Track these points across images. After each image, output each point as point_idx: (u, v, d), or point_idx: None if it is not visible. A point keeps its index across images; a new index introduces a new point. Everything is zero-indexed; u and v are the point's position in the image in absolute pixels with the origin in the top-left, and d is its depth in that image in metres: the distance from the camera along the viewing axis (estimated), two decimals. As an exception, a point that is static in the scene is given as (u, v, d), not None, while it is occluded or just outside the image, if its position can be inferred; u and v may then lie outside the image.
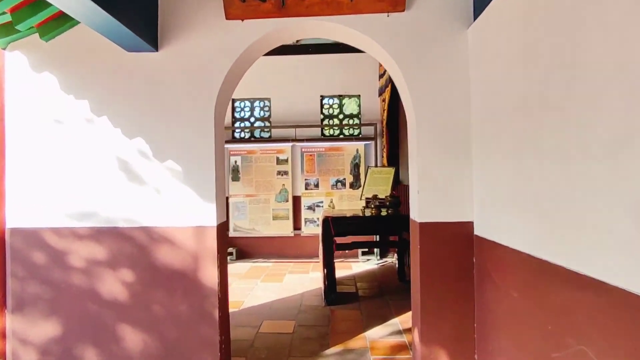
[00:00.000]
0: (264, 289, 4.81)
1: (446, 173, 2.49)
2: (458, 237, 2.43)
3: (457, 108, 2.50)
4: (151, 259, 2.62)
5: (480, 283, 2.37)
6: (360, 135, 6.78)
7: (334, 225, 4.08)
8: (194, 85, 2.62)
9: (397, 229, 4.78)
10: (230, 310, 3.96)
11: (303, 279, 5.24)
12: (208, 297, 2.59)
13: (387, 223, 4.40)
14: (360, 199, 6.23)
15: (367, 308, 4.03)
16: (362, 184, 6.36)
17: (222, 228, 2.76)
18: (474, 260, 2.43)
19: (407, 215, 4.49)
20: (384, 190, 6.12)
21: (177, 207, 2.60)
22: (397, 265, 5.30)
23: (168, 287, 2.61)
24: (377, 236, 6.19)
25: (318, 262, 6.40)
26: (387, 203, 4.53)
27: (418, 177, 2.51)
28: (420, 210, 2.49)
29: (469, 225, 2.44)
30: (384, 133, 6.36)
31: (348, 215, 4.78)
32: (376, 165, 6.54)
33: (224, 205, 2.84)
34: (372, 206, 4.56)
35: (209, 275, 2.58)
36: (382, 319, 3.76)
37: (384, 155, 6.44)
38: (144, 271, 2.62)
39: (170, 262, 2.59)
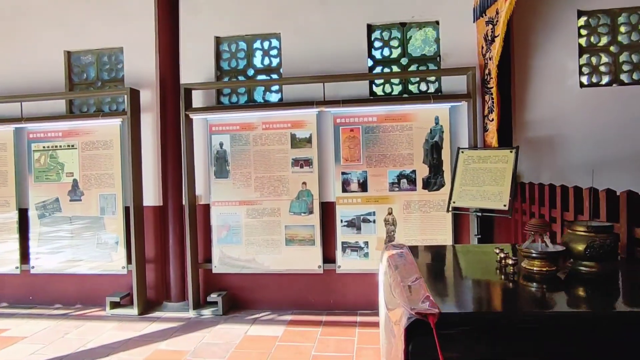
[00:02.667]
0: None
1: None
2: None
3: None
4: None
5: None
6: (441, 94, 3.78)
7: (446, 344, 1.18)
8: None
9: None
10: None
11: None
12: None
13: None
14: (448, 211, 3.31)
15: None
16: (448, 181, 3.38)
17: None
18: None
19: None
20: (495, 195, 3.19)
21: None
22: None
23: None
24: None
25: (367, 319, 3.56)
26: (600, 244, 1.55)
27: None
28: None
29: None
30: (493, 85, 3.33)
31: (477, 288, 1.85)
32: (475, 146, 3.54)
33: None
34: (542, 255, 1.59)
35: None
36: None
37: (492, 126, 3.43)
38: None
39: None
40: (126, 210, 3.91)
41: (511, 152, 3.18)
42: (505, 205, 3.06)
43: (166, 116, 3.98)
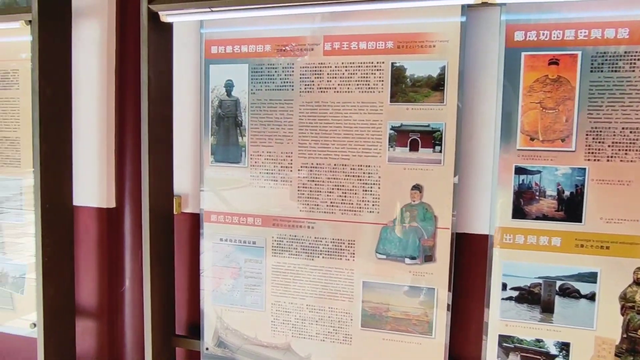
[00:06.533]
0: None
1: None
2: None
3: None
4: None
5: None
6: None
7: None
8: None
9: None
10: None
11: None
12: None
13: None
14: None
15: None
16: None
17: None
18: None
19: None
20: None
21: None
22: None
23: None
24: None
25: None
26: None
27: None
28: None
29: None
30: None
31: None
32: None
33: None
34: None
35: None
36: None
37: None
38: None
39: None
40: (45, 211, 1.92)
41: None
42: None
43: (126, 25, 1.90)
